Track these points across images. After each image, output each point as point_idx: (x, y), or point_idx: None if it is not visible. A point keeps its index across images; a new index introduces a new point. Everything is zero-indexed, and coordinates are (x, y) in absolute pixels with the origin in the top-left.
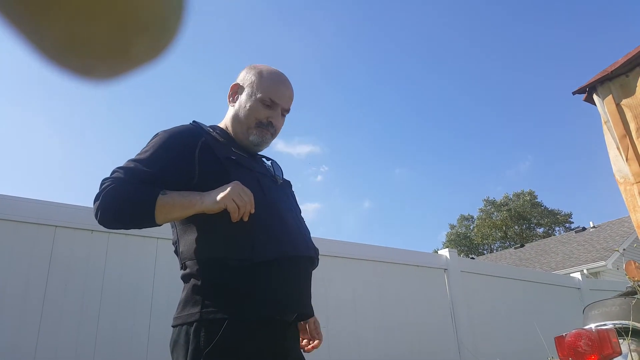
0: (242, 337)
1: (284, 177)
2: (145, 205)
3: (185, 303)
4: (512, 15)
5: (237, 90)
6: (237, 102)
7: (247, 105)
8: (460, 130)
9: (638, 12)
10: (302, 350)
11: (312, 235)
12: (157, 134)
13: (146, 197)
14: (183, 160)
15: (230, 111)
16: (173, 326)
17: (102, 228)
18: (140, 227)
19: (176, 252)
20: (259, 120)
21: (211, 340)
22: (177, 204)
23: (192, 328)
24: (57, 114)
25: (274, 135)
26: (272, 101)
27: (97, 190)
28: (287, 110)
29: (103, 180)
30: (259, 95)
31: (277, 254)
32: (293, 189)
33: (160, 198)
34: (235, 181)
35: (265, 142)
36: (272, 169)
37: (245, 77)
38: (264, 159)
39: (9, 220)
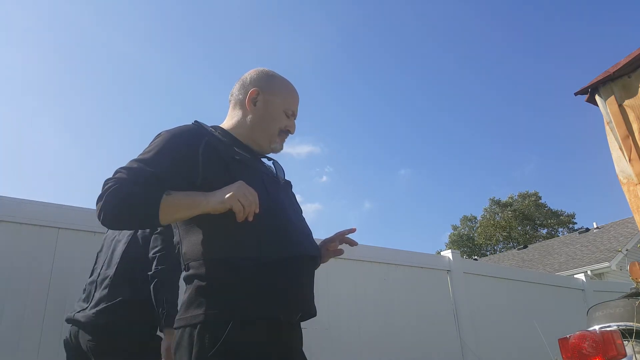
0: (247, 339)
1: (285, 177)
2: (150, 205)
3: (189, 304)
4: (515, 14)
5: (256, 96)
6: (257, 108)
7: (273, 116)
8: (466, 131)
9: None
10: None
11: (313, 235)
12: (160, 134)
13: (150, 197)
14: (186, 161)
15: (247, 115)
16: (175, 328)
17: (104, 229)
18: (143, 228)
19: (178, 252)
20: (280, 129)
21: (216, 342)
22: (181, 204)
23: (196, 330)
24: (60, 115)
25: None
26: (293, 113)
27: (99, 192)
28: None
29: (106, 180)
30: (282, 107)
31: (283, 254)
32: (294, 190)
33: (164, 198)
34: (240, 181)
35: (282, 147)
36: (273, 169)
37: (262, 84)
38: (265, 159)
39: (12, 222)
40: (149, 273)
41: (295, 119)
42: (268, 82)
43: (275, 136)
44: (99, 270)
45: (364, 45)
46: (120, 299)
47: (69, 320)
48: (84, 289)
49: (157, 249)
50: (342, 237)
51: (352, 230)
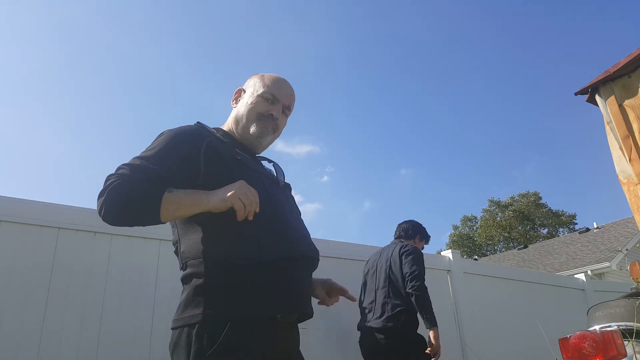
0: (245, 338)
1: (285, 180)
2: (151, 202)
3: (187, 304)
4: (516, 14)
5: (240, 93)
6: (240, 102)
7: (249, 102)
8: (467, 131)
9: None
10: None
11: (313, 236)
12: (163, 132)
13: (152, 193)
14: (188, 160)
15: (233, 112)
16: (173, 328)
17: (104, 229)
18: (144, 225)
19: (176, 252)
20: (260, 113)
21: (214, 341)
22: (183, 201)
23: (194, 330)
24: (61, 115)
25: (275, 130)
26: (273, 96)
27: (101, 188)
28: (289, 109)
29: (108, 176)
30: (260, 92)
31: (282, 254)
32: (294, 190)
33: (166, 195)
34: (242, 180)
35: (266, 134)
36: (274, 171)
37: (248, 82)
38: (265, 162)
39: (12, 222)
40: (408, 290)
41: (284, 108)
42: (251, 79)
43: (253, 120)
44: (373, 292)
45: (365, 44)
46: (399, 309)
47: (363, 327)
48: (365, 308)
49: (412, 269)
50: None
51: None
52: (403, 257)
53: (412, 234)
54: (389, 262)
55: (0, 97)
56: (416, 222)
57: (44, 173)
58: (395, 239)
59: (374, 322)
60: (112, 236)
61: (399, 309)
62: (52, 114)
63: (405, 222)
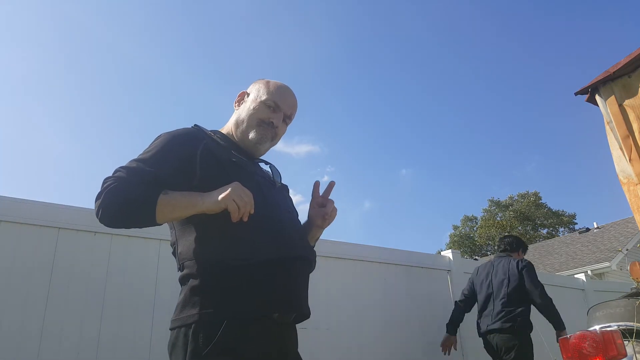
0: (241, 338)
1: (282, 181)
2: (147, 204)
3: (184, 305)
4: (516, 14)
5: (243, 96)
6: (242, 106)
7: (251, 107)
8: (467, 131)
9: None
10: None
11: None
12: (160, 135)
13: (148, 196)
14: (185, 162)
15: (235, 114)
16: (171, 329)
17: (104, 230)
18: (141, 227)
19: (174, 253)
20: (260, 120)
21: (210, 341)
22: (178, 203)
23: (191, 330)
24: (60, 115)
25: (274, 138)
26: (275, 104)
27: (99, 190)
28: (289, 118)
29: (105, 179)
30: (263, 98)
31: (277, 255)
32: (292, 191)
33: (161, 197)
34: (236, 182)
35: (265, 141)
36: (270, 173)
37: (253, 86)
38: (262, 164)
39: (12, 222)
40: (538, 302)
41: (285, 117)
42: (255, 84)
43: (253, 126)
44: (491, 301)
45: (365, 44)
46: (522, 315)
47: (486, 331)
48: (484, 314)
49: (537, 285)
50: (319, 201)
51: (330, 185)
52: (524, 273)
53: (517, 247)
54: (507, 274)
55: (0, 97)
56: (516, 236)
57: (44, 173)
58: (501, 252)
59: (499, 324)
60: (112, 236)
61: (521, 314)
62: (52, 114)
63: (508, 236)
